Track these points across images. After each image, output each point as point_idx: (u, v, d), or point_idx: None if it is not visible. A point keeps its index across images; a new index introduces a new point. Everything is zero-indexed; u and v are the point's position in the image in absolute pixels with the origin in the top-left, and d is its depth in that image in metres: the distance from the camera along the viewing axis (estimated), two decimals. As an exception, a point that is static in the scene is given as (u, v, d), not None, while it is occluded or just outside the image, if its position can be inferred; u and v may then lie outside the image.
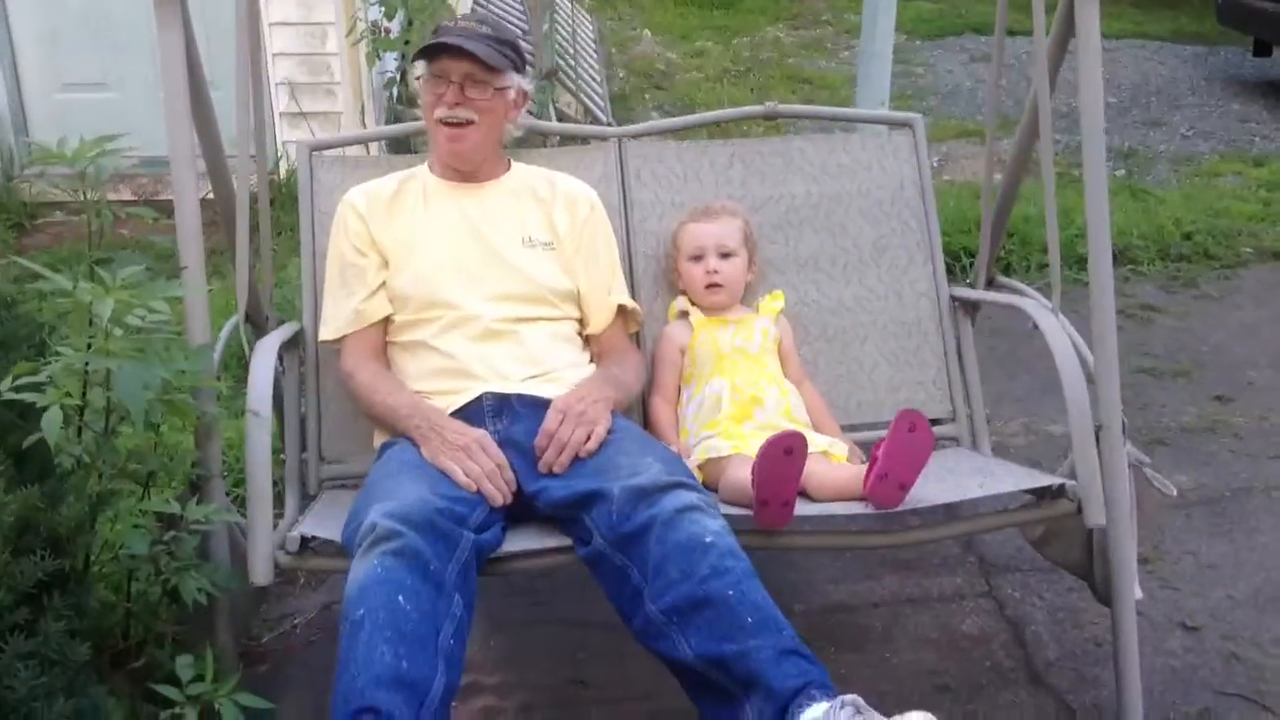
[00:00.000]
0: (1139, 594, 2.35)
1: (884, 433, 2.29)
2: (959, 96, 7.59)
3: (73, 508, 1.68)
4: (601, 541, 1.91)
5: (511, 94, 2.36)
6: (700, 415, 2.42)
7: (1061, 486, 2.18)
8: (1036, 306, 2.49)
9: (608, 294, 2.42)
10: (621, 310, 2.45)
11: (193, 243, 2.16)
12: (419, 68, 2.34)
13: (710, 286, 2.51)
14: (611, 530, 1.89)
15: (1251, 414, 3.56)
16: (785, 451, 1.97)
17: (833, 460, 2.30)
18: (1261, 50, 7.49)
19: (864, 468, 2.16)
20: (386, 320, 2.35)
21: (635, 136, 2.76)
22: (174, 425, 2.07)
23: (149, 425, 1.89)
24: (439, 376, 2.26)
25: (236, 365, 3.54)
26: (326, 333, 2.38)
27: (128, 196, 4.83)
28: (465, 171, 2.40)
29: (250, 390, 2.15)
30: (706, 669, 1.77)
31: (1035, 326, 2.41)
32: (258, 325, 2.69)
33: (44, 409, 1.65)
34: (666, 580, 1.81)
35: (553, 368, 2.29)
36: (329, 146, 2.77)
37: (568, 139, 3.11)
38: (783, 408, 2.41)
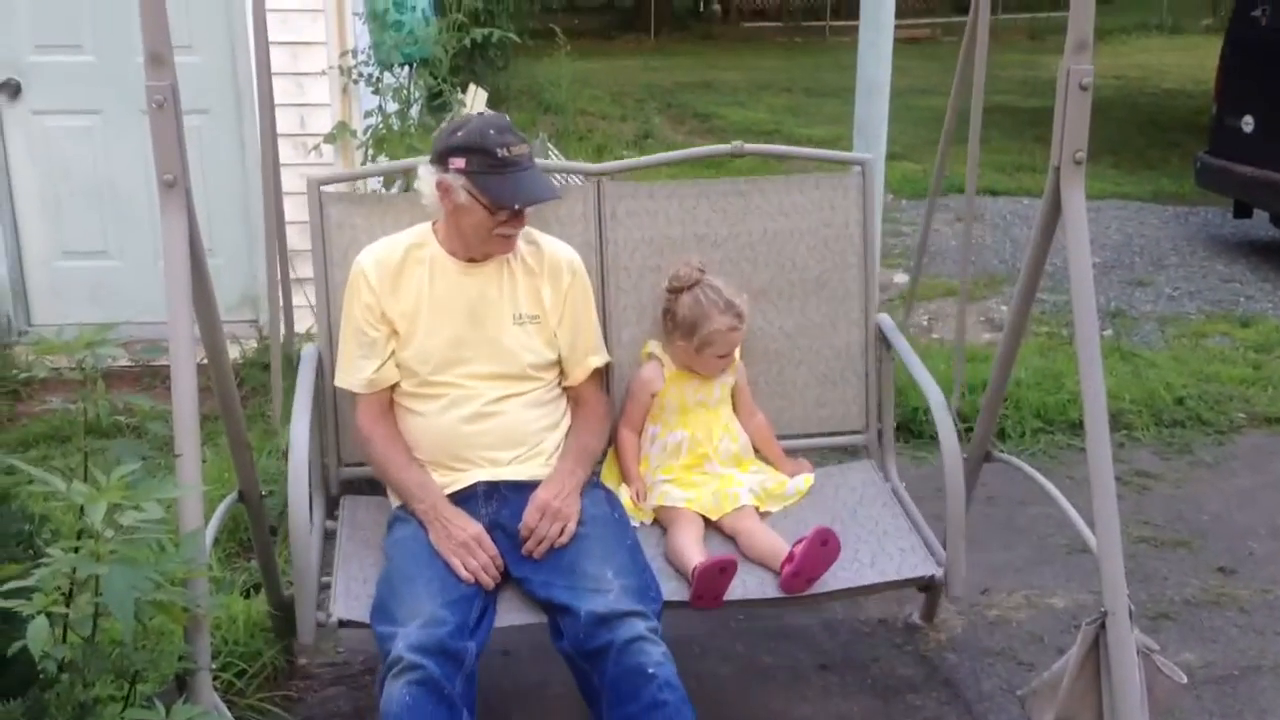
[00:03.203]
0: (1153, 788, 2.29)
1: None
2: (946, 255, 7.70)
3: (55, 721, 1.63)
4: (570, 648, 2.36)
5: None
6: (662, 458, 2.86)
7: (932, 577, 2.62)
8: (940, 403, 2.79)
9: (585, 356, 2.77)
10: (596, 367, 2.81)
11: (189, 432, 2.15)
12: (466, 182, 2.51)
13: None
14: (578, 645, 2.34)
15: (1255, 587, 3.52)
16: (720, 570, 2.49)
17: (764, 502, 2.84)
18: (1242, 212, 7.65)
19: (784, 545, 2.61)
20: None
21: (612, 175, 2.98)
22: (164, 622, 2.03)
23: (139, 623, 1.85)
24: (438, 453, 2.65)
25: (228, 539, 3.52)
26: (342, 381, 2.72)
27: (125, 363, 4.82)
28: (476, 255, 2.66)
29: (291, 488, 2.45)
30: None
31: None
32: (251, 501, 2.68)
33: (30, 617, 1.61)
34: (618, 696, 2.26)
35: (535, 443, 2.68)
36: (334, 181, 3.01)
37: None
38: (730, 454, 2.88)
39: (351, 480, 2.93)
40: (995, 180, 9.27)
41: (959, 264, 7.26)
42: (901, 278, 7.00)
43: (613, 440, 2.91)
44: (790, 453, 3.03)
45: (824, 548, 2.52)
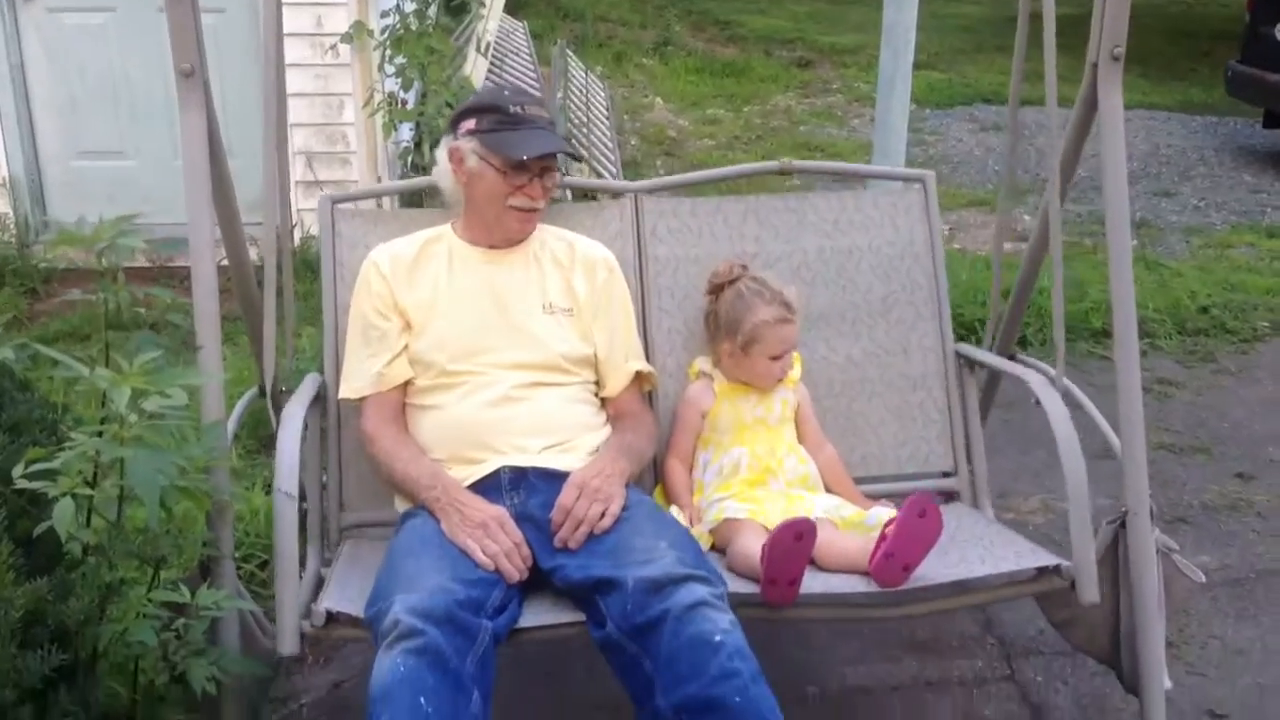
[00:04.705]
0: (1168, 684, 2.30)
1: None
2: (969, 165, 7.61)
3: (82, 599, 1.65)
4: (615, 629, 1.95)
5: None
6: (718, 480, 2.46)
7: (1058, 566, 2.22)
8: (1042, 382, 2.49)
9: (624, 359, 2.46)
10: (637, 374, 2.48)
11: (209, 324, 2.15)
12: (478, 145, 2.34)
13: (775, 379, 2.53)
14: (625, 620, 1.94)
15: (1274, 493, 3.52)
16: (796, 537, 2.07)
17: (841, 528, 2.35)
18: (1272, 122, 7.51)
19: (870, 540, 2.21)
20: (406, 382, 2.38)
21: (650, 192, 2.77)
22: (187, 508, 2.05)
23: (163, 510, 1.86)
24: (457, 445, 2.30)
25: (248, 436, 3.54)
26: (347, 391, 2.41)
27: (142, 263, 4.83)
28: (497, 243, 2.44)
29: (278, 468, 2.16)
30: None
31: (1038, 402, 2.43)
32: (272, 396, 2.68)
33: (56, 499, 1.62)
34: (676, 676, 1.86)
35: (569, 436, 2.32)
36: (348, 199, 2.79)
37: (583, 194, 3.11)
38: (799, 475, 2.47)
39: (356, 526, 2.53)
40: (1021, 89, 9.11)
41: (983, 174, 7.21)
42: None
43: (658, 472, 2.57)
44: (868, 497, 2.58)
45: (921, 520, 2.11)
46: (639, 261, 2.69)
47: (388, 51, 5.05)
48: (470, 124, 2.37)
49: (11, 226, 5.14)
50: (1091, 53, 2.30)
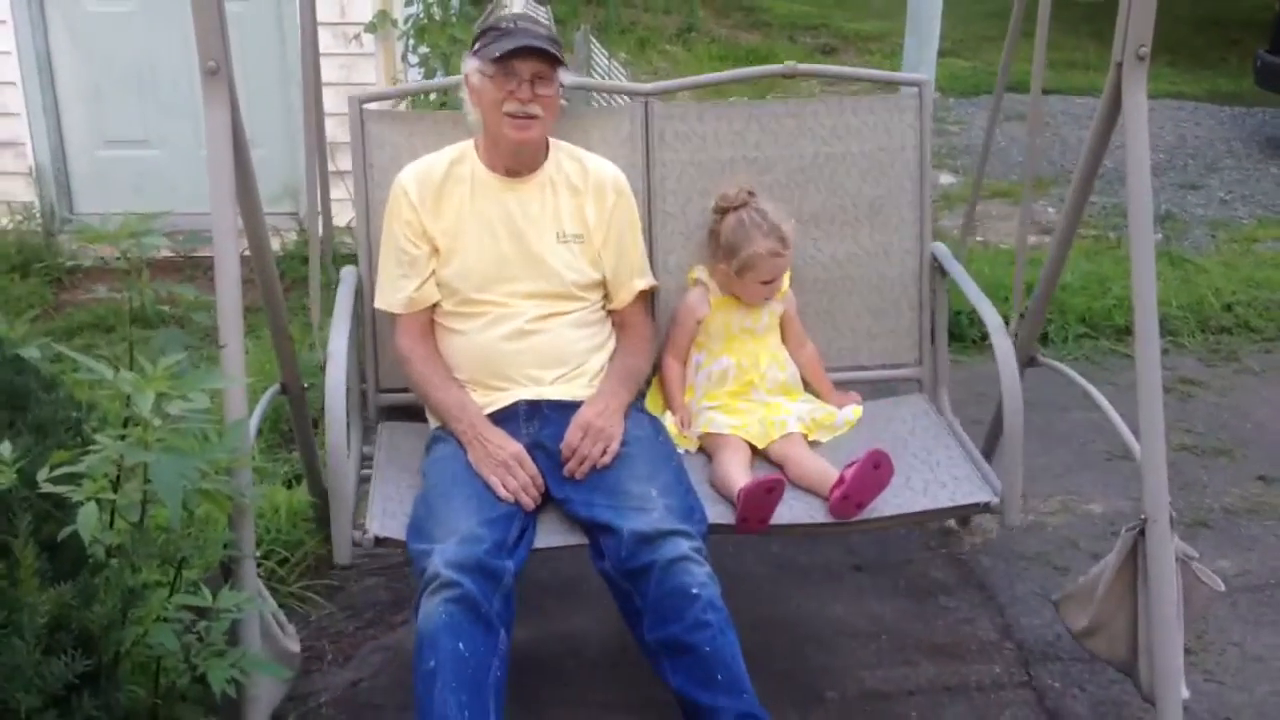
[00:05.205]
0: (1186, 694, 2.29)
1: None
2: (993, 155, 7.53)
3: (105, 604, 1.66)
4: (611, 568, 2.30)
5: (561, 90, 2.59)
6: (707, 385, 2.80)
7: (988, 503, 2.53)
8: (997, 325, 2.67)
9: (630, 277, 2.72)
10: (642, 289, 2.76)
11: (232, 323, 2.16)
12: (477, 61, 2.52)
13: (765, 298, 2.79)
14: (620, 563, 2.28)
15: (1296, 496, 3.49)
16: (767, 490, 2.42)
17: (813, 431, 2.77)
18: (1301, 113, 7.45)
19: (833, 471, 2.54)
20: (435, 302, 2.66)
21: (662, 94, 2.89)
22: (209, 510, 2.07)
23: (185, 511, 1.88)
24: (479, 372, 2.60)
25: (269, 430, 3.56)
26: (381, 302, 2.68)
27: (166, 253, 4.84)
28: (512, 167, 2.61)
29: (328, 409, 2.36)
30: (685, 704, 2.21)
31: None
32: (293, 393, 2.70)
33: (80, 503, 1.63)
34: (660, 617, 2.22)
35: (578, 363, 2.63)
36: (376, 99, 2.91)
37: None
38: (778, 383, 2.81)
39: (390, 407, 2.86)
40: (1045, 77, 9.02)
41: (1006, 164, 7.15)
42: (948, 178, 6.89)
43: (657, 368, 2.84)
44: (839, 385, 2.94)
45: (876, 471, 2.44)
46: (647, 165, 2.86)
47: (411, 41, 5.05)
48: (476, 46, 2.56)
49: (37, 215, 5.17)
50: (1116, 52, 2.29)
